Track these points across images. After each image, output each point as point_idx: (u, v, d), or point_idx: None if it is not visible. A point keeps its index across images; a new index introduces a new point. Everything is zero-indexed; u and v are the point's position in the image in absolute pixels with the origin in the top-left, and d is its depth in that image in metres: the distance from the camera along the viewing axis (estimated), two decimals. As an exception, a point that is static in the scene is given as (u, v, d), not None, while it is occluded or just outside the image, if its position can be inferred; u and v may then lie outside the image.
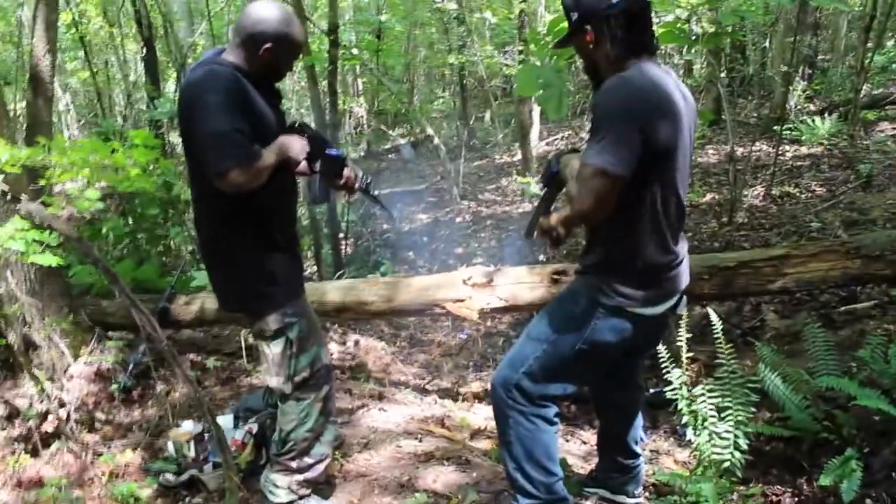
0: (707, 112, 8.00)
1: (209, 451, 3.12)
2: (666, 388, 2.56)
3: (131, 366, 3.89)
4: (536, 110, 9.58)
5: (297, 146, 2.39)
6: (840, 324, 3.97)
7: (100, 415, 3.62)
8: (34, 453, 3.16)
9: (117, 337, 4.07)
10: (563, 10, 2.18)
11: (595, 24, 2.09)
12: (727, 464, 2.43)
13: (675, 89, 2.09)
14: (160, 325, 2.45)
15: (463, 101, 14.59)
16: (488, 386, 2.62)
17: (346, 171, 2.58)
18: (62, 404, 3.43)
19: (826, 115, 8.98)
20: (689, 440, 2.62)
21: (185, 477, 3.00)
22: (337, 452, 3.12)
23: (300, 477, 2.63)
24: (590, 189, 2.02)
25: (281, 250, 2.50)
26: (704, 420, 2.49)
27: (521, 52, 9.85)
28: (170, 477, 3.00)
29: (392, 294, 4.02)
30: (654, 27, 2.22)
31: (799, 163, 7.83)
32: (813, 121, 8.69)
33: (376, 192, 2.81)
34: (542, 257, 6.33)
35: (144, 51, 9.16)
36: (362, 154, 14.12)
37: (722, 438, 2.46)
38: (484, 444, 3.36)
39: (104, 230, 5.91)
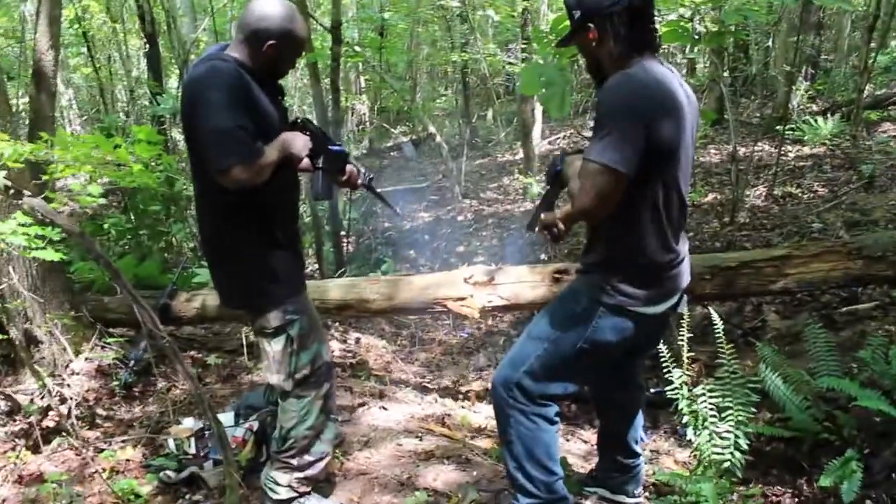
0: (710, 111, 7.99)
1: (210, 448, 3.12)
2: (666, 388, 2.56)
3: (132, 362, 3.90)
4: (539, 109, 9.56)
5: (299, 143, 2.39)
6: (841, 324, 3.96)
7: (101, 411, 3.63)
8: (35, 449, 3.17)
9: (118, 333, 4.08)
10: (566, 8, 2.17)
11: (598, 22, 2.08)
12: (727, 464, 2.43)
13: (678, 87, 2.09)
14: (161, 321, 2.44)
15: (465, 99, 14.57)
16: (489, 385, 2.62)
17: (349, 167, 2.58)
18: (63, 400, 3.43)
19: (829, 115, 8.96)
20: (690, 440, 2.63)
21: (185, 474, 3.00)
22: (337, 450, 3.12)
23: (300, 474, 2.63)
24: (592, 186, 2.02)
25: (283, 247, 2.50)
26: (705, 420, 2.49)
27: (523, 51, 9.85)
28: (170, 473, 3.00)
29: (393, 292, 4.02)
30: (657, 25, 2.22)
31: (801, 163, 7.82)
32: (815, 121, 8.68)
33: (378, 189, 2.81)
34: (543, 256, 6.34)
35: (147, 47, 9.17)
36: (364, 152, 14.12)
37: (722, 438, 2.46)
38: (484, 442, 3.36)
39: (106, 226, 5.93)
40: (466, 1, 11.02)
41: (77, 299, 4.06)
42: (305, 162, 2.45)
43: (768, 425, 2.91)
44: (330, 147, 2.51)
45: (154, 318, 2.35)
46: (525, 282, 3.80)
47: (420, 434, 3.41)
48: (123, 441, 3.35)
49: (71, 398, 3.48)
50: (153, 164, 3.93)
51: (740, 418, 2.47)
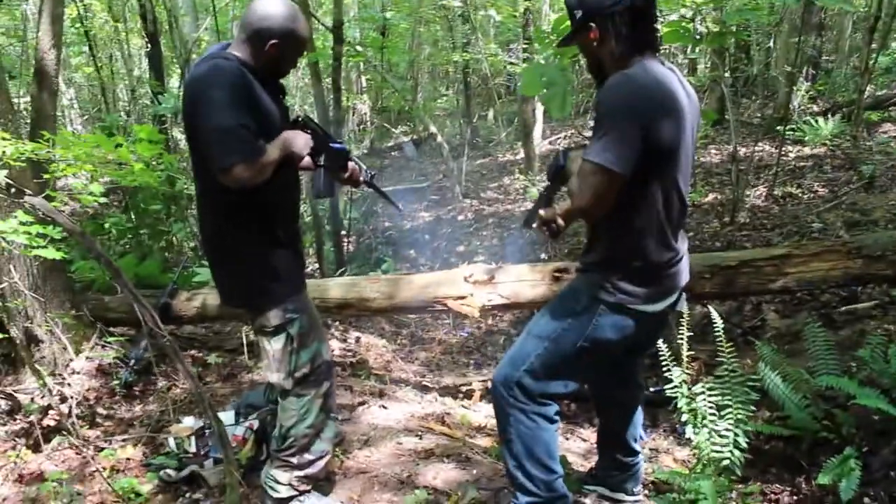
0: (710, 112, 7.99)
1: (210, 447, 3.12)
2: (666, 387, 2.56)
3: (133, 361, 3.91)
4: (540, 109, 9.57)
5: (300, 141, 2.39)
6: (840, 324, 3.97)
7: (101, 410, 3.63)
8: (35, 448, 3.17)
9: (119, 332, 4.08)
10: (567, 8, 2.18)
11: (599, 22, 2.09)
12: (726, 462, 2.43)
13: (678, 87, 2.09)
14: (162, 320, 2.45)
15: (466, 99, 14.58)
16: (489, 383, 2.62)
17: (351, 164, 2.59)
18: (64, 399, 3.44)
19: (829, 115, 8.97)
20: (689, 438, 2.63)
21: (185, 472, 3.01)
22: (337, 449, 3.13)
23: (300, 473, 2.63)
24: (589, 185, 2.03)
25: (283, 246, 2.50)
26: (704, 418, 2.49)
27: (525, 51, 9.85)
28: (170, 472, 3.01)
29: (394, 291, 4.03)
30: (659, 25, 2.22)
31: (802, 163, 7.82)
32: (816, 121, 8.68)
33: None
34: (543, 255, 6.35)
35: (149, 46, 9.18)
36: (365, 151, 14.12)
37: (721, 437, 2.47)
38: (484, 441, 3.37)
39: (107, 225, 5.93)
40: (468, 1, 11.02)
41: (78, 298, 4.06)
42: (307, 160, 2.46)
43: (767, 424, 2.92)
44: (331, 145, 2.52)
45: (155, 317, 2.36)
46: (525, 280, 3.80)
47: (420, 433, 3.42)
48: (124, 440, 3.35)
49: (71, 397, 3.48)
50: (154, 163, 3.94)
51: (739, 417, 2.47)
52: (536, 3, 9.67)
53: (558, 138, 11.98)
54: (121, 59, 12.87)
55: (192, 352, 4.40)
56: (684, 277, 2.30)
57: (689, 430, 2.57)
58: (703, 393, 2.52)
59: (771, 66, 11.57)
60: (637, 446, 2.66)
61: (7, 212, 3.08)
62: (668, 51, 10.77)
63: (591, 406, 3.17)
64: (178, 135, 9.27)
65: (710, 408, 2.51)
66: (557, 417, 2.39)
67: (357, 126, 14.95)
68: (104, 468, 3.04)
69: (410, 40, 13.96)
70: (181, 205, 6.14)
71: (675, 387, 2.52)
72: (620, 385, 2.59)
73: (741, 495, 2.54)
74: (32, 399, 3.39)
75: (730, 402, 2.49)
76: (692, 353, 2.55)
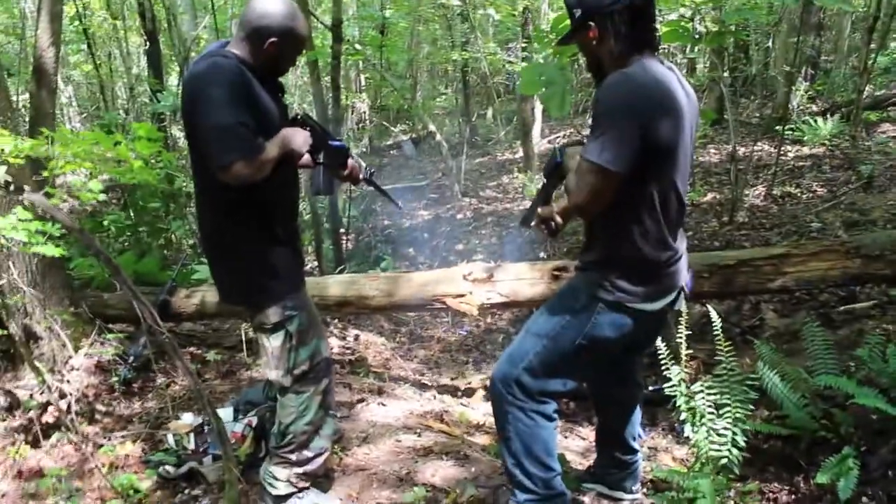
0: (709, 111, 8.00)
1: (209, 444, 3.13)
2: (665, 385, 2.56)
3: (132, 358, 3.90)
4: (539, 107, 9.59)
5: (300, 138, 2.39)
6: (839, 323, 3.98)
7: (100, 406, 3.63)
8: (34, 444, 3.17)
9: (118, 329, 4.08)
10: (566, 6, 2.18)
11: (598, 21, 2.09)
12: (725, 461, 2.44)
13: (677, 86, 2.09)
14: (161, 317, 2.45)
15: (465, 97, 14.58)
16: (487, 381, 2.62)
17: (350, 162, 2.59)
18: (63, 395, 3.44)
19: (828, 115, 8.98)
20: (688, 437, 2.63)
21: (184, 469, 3.01)
22: (336, 446, 3.13)
23: (299, 470, 2.64)
24: (586, 184, 2.04)
25: (282, 244, 2.51)
26: (703, 417, 2.50)
27: (524, 49, 9.86)
28: (169, 469, 3.01)
29: (393, 289, 4.03)
30: (658, 24, 2.22)
31: (800, 163, 7.83)
32: (815, 121, 8.69)
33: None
34: (542, 254, 6.35)
35: (148, 44, 9.17)
36: (364, 150, 14.12)
37: (720, 435, 2.47)
38: (483, 439, 3.37)
39: (106, 223, 5.93)
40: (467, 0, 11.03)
41: (77, 295, 4.06)
42: (306, 158, 2.45)
43: (766, 423, 2.92)
44: (330, 142, 2.52)
45: (154, 315, 2.36)
46: (524, 279, 3.81)
47: (419, 430, 3.42)
48: (123, 436, 3.35)
49: (70, 394, 3.48)
50: (153, 160, 3.94)
51: (738, 415, 2.48)
52: (535, 2, 9.68)
53: (557, 137, 11.99)
54: (119, 57, 12.85)
55: (191, 349, 4.40)
56: (683, 276, 2.30)
57: (687, 429, 2.57)
58: (701, 392, 2.52)
59: (770, 65, 11.58)
60: (636, 445, 2.67)
61: (6, 208, 3.08)
62: (666, 50, 10.77)
63: (590, 404, 3.17)
64: (177, 132, 9.28)
65: (709, 406, 2.51)
66: (556, 415, 2.40)
67: (356, 124, 14.95)
68: (103, 464, 3.04)
69: (409, 39, 13.96)
70: (180, 202, 6.15)
71: (674, 385, 2.52)
72: (619, 383, 2.60)
73: (739, 494, 2.54)
74: (31, 395, 3.39)
75: (728, 401, 2.50)
76: (691, 351, 2.55)
